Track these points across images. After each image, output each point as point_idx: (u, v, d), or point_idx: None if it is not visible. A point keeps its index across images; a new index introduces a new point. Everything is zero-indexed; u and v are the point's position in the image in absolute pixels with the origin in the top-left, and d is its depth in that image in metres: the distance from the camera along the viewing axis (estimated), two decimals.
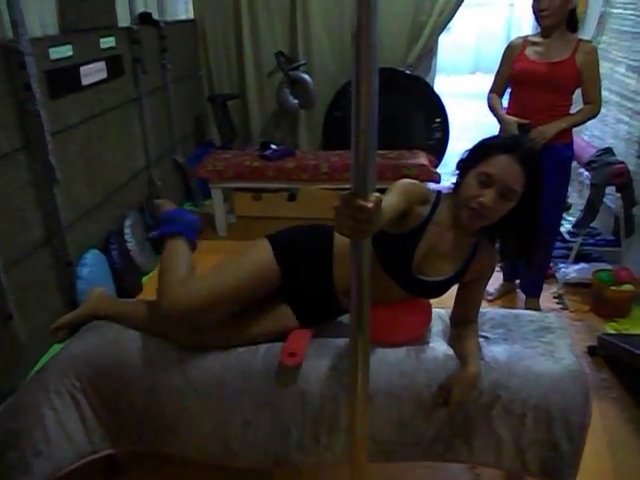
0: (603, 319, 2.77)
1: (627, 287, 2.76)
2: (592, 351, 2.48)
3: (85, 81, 2.67)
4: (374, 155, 0.84)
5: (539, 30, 2.48)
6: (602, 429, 2.02)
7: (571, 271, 3.07)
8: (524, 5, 8.08)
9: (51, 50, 2.38)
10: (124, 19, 3.20)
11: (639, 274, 2.87)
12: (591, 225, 3.10)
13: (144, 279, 3.12)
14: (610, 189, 2.94)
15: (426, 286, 1.51)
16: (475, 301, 1.61)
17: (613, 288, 2.76)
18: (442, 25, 4.36)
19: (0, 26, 2.12)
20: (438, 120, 4.48)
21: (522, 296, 2.91)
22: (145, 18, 3.46)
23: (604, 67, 2.58)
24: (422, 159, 3.73)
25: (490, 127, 2.67)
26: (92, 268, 2.63)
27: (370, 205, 0.84)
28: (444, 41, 4.77)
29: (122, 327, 1.67)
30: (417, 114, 4.45)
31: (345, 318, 1.65)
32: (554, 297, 2.95)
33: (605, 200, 2.93)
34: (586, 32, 3.64)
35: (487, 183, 1.36)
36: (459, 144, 3.92)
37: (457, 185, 1.46)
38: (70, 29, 2.58)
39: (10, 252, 2.14)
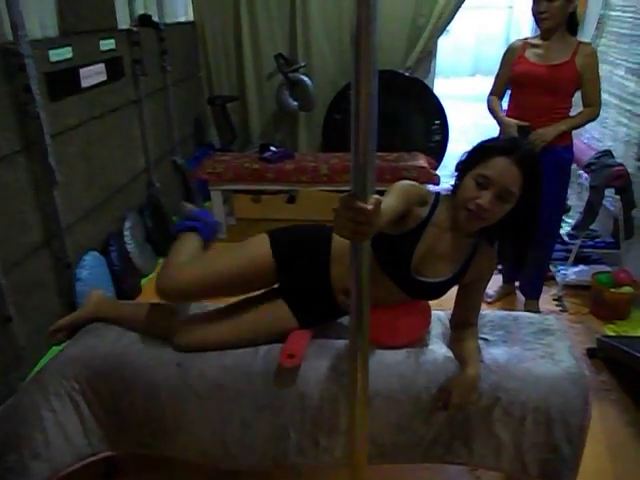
0: (602, 321, 2.77)
1: (626, 289, 2.76)
2: (591, 353, 2.47)
3: (85, 83, 2.67)
4: (373, 157, 0.84)
5: (539, 32, 2.48)
6: (601, 431, 2.02)
7: (570, 273, 3.07)
8: (523, 7, 8.11)
9: (51, 52, 2.38)
10: (124, 21, 3.20)
11: (638, 276, 2.87)
12: (590, 227, 3.09)
13: (143, 281, 3.12)
14: (609, 191, 2.93)
15: (425, 287, 1.51)
16: (475, 303, 1.61)
17: (612, 290, 2.76)
18: (441, 27, 4.37)
19: (0, 28, 2.12)
20: (437, 122, 4.48)
21: (522, 298, 2.91)
22: (145, 20, 3.46)
23: (603, 70, 2.58)
24: (421, 161, 3.74)
25: (490, 129, 2.67)
26: (91, 270, 2.62)
27: (370, 207, 0.84)
28: (443, 43, 4.78)
29: (121, 329, 1.67)
30: (416, 116, 4.45)
31: (345, 320, 1.65)
32: (553, 299, 2.95)
33: (604, 202, 2.93)
34: (585, 34, 3.65)
35: (485, 185, 1.37)
36: (458, 146, 3.93)
37: (455, 187, 1.46)
38: (70, 31, 2.59)
39: (9, 254, 2.13)
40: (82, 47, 2.64)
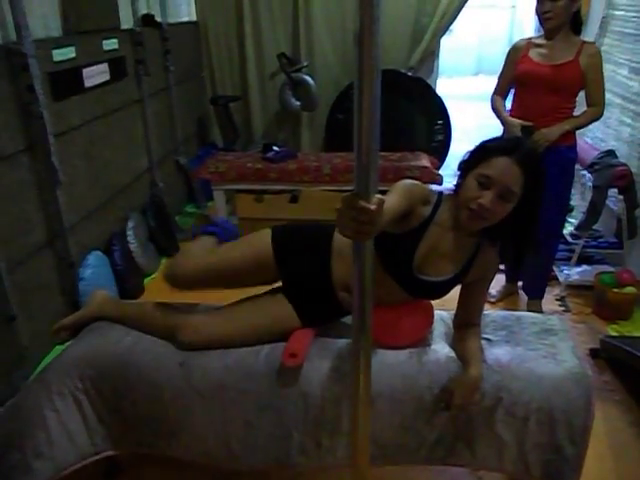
0: (605, 321, 2.76)
1: (629, 289, 2.75)
2: (594, 353, 2.47)
3: (88, 83, 2.68)
4: (376, 157, 0.84)
5: (542, 32, 2.48)
6: (604, 432, 2.02)
7: (573, 273, 3.07)
8: (526, 7, 8.09)
9: (54, 52, 2.39)
10: (127, 21, 3.21)
11: None
12: (593, 227, 3.09)
13: (146, 280, 3.12)
14: (612, 191, 2.93)
15: (427, 286, 1.51)
16: (478, 303, 1.60)
17: (615, 290, 2.75)
18: (444, 27, 4.36)
19: (3, 28, 2.13)
20: (440, 122, 4.48)
21: (524, 298, 2.90)
22: (148, 20, 3.46)
23: (606, 69, 2.57)
24: (424, 161, 3.73)
25: (492, 129, 2.67)
26: (94, 270, 2.63)
27: (372, 207, 0.84)
28: (446, 43, 4.77)
29: (125, 328, 1.67)
30: (419, 116, 4.45)
31: (347, 319, 1.65)
32: (556, 299, 2.95)
33: (607, 202, 2.92)
34: (588, 34, 3.63)
35: (486, 185, 1.37)
36: (461, 146, 3.92)
37: (458, 186, 1.46)
38: (73, 31, 2.59)
39: (13, 253, 2.14)
40: (85, 47, 2.65)
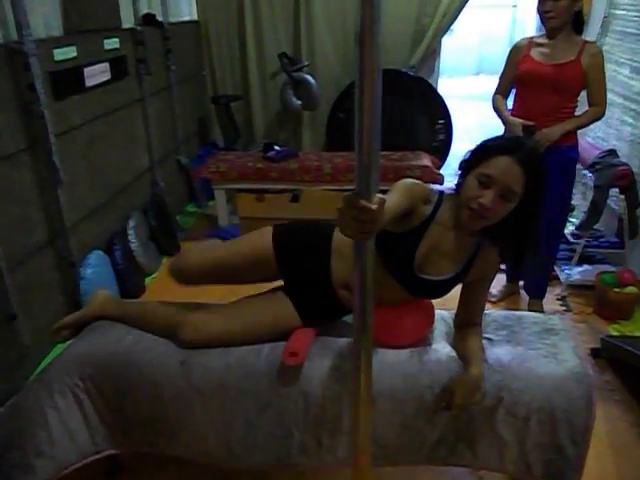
0: (606, 321, 2.76)
1: (631, 289, 2.75)
2: (595, 353, 2.47)
3: (89, 82, 2.68)
4: (377, 156, 0.84)
5: (544, 31, 2.47)
6: (605, 432, 2.02)
7: (574, 273, 3.07)
8: (528, 6, 8.08)
9: (55, 51, 2.39)
10: (128, 20, 3.21)
11: None
12: (595, 227, 3.09)
13: (147, 280, 3.13)
14: (614, 191, 2.93)
15: (428, 285, 1.50)
16: (479, 303, 1.60)
17: (616, 290, 2.75)
18: (445, 27, 4.36)
19: (4, 27, 2.13)
20: (441, 122, 4.47)
21: (526, 298, 2.90)
22: (149, 19, 3.46)
23: (608, 69, 2.56)
24: (425, 160, 3.73)
25: (494, 129, 2.67)
26: (95, 269, 2.63)
27: (374, 207, 0.84)
28: (447, 43, 4.77)
29: (126, 327, 1.67)
30: (420, 116, 4.45)
31: (348, 318, 1.65)
32: (557, 299, 2.95)
33: (609, 202, 2.92)
34: (590, 33, 3.63)
35: (487, 184, 1.36)
36: (462, 145, 3.92)
37: (459, 186, 1.46)
38: (74, 30, 2.59)
39: (14, 253, 2.14)
40: (86, 46, 2.65)
